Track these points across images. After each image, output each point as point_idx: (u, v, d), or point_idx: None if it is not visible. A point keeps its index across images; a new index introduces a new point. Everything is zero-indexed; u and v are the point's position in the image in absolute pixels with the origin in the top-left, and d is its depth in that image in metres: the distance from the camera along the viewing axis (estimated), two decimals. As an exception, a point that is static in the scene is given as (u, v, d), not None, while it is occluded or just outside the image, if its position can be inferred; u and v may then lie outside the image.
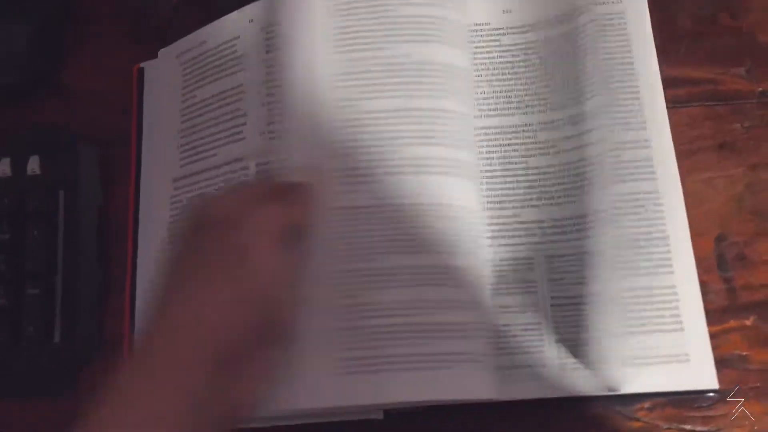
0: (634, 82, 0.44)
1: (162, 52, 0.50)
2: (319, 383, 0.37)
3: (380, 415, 0.40)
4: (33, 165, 0.48)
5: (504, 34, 0.47)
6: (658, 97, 0.45)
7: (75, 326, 0.45)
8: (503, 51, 0.46)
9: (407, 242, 0.40)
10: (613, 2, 0.46)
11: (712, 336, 0.42)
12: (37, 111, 0.51)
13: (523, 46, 0.46)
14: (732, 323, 0.42)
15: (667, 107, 0.45)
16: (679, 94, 0.46)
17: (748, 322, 0.42)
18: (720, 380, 0.41)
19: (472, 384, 0.38)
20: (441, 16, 0.43)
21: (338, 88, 0.42)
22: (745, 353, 0.42)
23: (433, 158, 0.41)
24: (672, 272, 0.42)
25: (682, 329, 0.41)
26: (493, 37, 0.46)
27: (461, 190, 0.41)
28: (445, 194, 0.41)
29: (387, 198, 0.40)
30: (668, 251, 0.42)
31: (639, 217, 0.42)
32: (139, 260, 0.46)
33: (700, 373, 0.40)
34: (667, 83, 0.46)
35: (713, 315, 0.42)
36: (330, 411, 0.39)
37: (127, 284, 0.46)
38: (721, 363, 0.41)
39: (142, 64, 0.50)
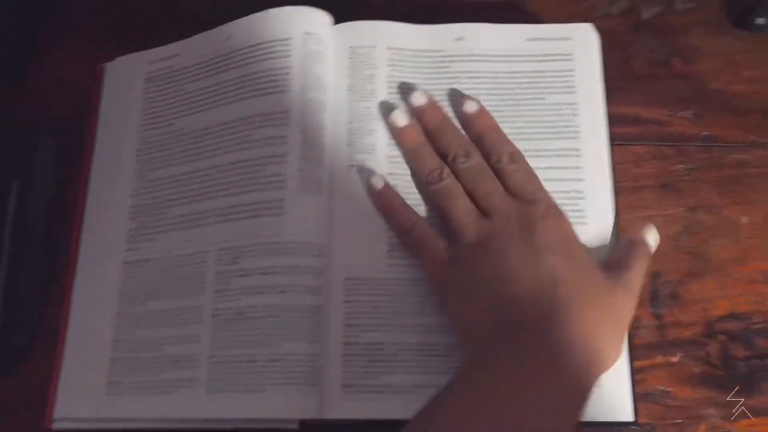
0: (576, 144, 0.45)
1: (129, 56, 0.51)
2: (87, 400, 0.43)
3: (296, 426, 0.41)
4: (-9, 155, 0.48)
5: (453, 61, 0.47)
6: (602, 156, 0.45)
7: (17, 315, 0.45)
8: (451, 78, 0.47)
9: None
10: (562, 59, 0.47)
11: (639, 370, 0.43)
12: (2, 100, 0.52)
13: (470, 75, 0.47)
14: (659, 359, 0.44)
15: (615, 144, 0.46)
16: (627, 132, 0.48)
17: (674, 359, 0.44)
18: (643, 414, 0.42)
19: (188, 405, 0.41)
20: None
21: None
22: (669, 389, 0.43)
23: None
24: None
25: None
26: (444, 64, 0.47)
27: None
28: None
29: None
30: None
31: None
32: (81, 253, 0.47)
33: (616, 405, 0.41)
34: (617, 121, 0.47)
35: (642, 350, 0.44)
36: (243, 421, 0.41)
37: (68, 275, 0.46)
38: (644, 397, 0.42)
39: (104, 65, 0.51)
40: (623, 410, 0.41)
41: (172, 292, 0.44)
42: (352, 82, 0.47)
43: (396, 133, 0.45)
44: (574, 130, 0.45)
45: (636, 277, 0.40)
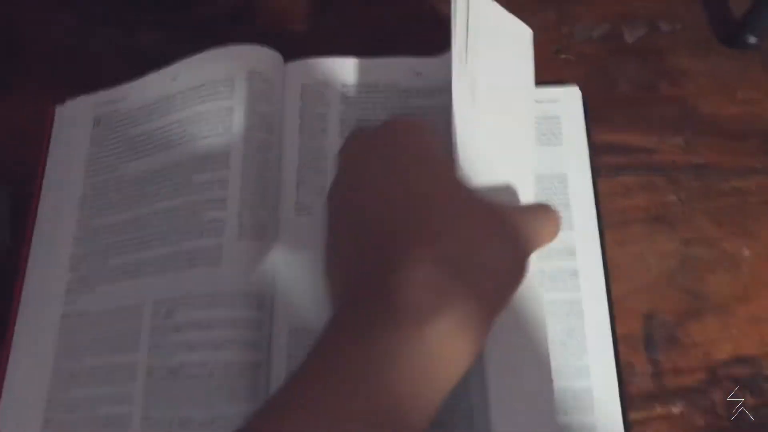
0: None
1: (78, 100, 0.49)
2: None
3: None
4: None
5: (410, 97, 0.45)
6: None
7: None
8: (408, 113, 0.45)
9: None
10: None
11: (635, 423, 0.39)
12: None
13: (426, 111, 0.45)
14: (658, 410, 0.39)
15: (601, 175, 0.44)
16: (613, 162, 0.45)
17: (675, 410, 0.39)
18: (642, 474, 0.38)
19: None
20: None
21: None
22: (671, 444, 0.39)
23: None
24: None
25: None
26: (400, 99, 0.45)
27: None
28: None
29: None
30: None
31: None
32: (21, 307, 0.44)
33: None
34: (602, 150, 0.44)
35: (637, 400, 0.39)
36: None
37: (9, 332, 0.43)
38: (643, 454, 0.38)
39: (55, 108, 0.49)
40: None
41: (108, 348, 0.41)
42: (303, 122, 0.45)
43: None
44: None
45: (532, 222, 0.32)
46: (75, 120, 0.48)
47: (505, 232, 0.30)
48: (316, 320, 0.37)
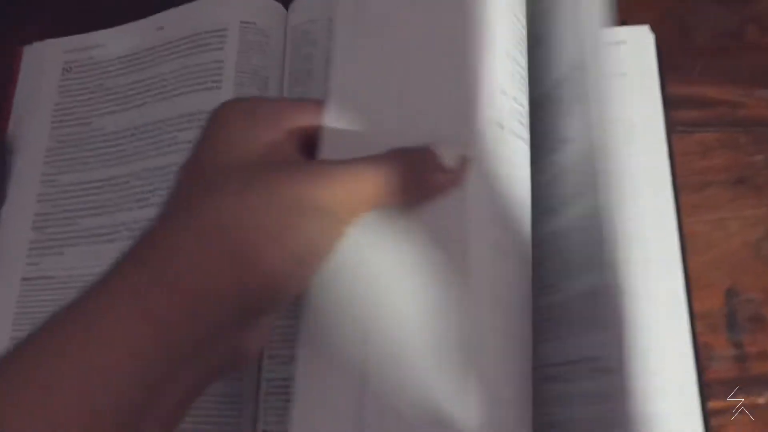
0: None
1: (46, 43, 0.46)
2: None
3: None
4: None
5: None
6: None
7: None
8: None
9: None
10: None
11: (715, 413, 0.34)
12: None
13: None
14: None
15: (675, 132, 0.38)
16: (690, 117, 0.40)
17: (761, 400, 0.34)
18: (722, 471, 0.33)
19: None
20: None
21: None
22: (755, 439, 0.34)
23: None
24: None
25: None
26: None
27: None
28: None
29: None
30: None
31: None
32: None
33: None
34: (677, 104, 0.39)
35: (717, 387, 0.35)
36: None
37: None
38: (724, 449, 0.33)
39: (24, 48, 0.46)
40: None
41: None
42: (292, 68, 0.41)
43: None
44: None
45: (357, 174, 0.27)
46: (42, 65, 0.45)
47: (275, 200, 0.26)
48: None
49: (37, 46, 0.46)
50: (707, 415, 0.33)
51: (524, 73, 0.32)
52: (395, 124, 0.29)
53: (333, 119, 0.29)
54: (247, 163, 0.26)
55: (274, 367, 0.35)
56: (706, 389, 0.34)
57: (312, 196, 0.25)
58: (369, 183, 0.26)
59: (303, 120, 0.29)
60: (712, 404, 0.34)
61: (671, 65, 0.40)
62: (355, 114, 0.29)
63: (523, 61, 0.32)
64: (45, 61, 0.45)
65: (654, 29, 0.40)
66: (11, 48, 0.46)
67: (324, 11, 0.41)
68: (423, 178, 0.27)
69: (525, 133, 0.31)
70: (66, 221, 0.40)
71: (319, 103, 0.29)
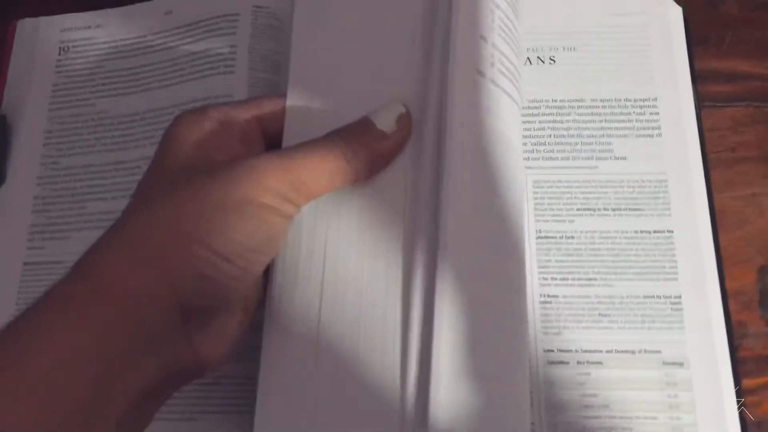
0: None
1: (41, 19, 0.43)
2: None
3: None
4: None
5: None
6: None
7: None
8: None
9: None
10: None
11: (749, 391, 0.34)
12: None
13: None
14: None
15: (705, 106, 0.38)
16: (721, 91, 0.39)
17: (795, 377, 0.34)
18: (756, 448, 0.33)
19: None
20: None
21: None
22: (790, 416, 0.34)
23: None
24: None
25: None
26: None
27: None
28: None
29: None
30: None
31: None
32: None
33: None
34: (706, 78, 0.39)
35: (752, 364, 0.35)
36: None
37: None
38: (759, 426, 0.33)
39: (17, 22, 0.43)
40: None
41: None
42: None
43: None
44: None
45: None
46: (36, 43, 0.43)
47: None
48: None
49: (31, 21, 0.43)
50: (741, 392, 0.33)
51: (512, 25, 0.31)
52: (357, 98, 0.29)
53: (294, 103, 0.29)
54: (187, 169, 0.26)
55: None
56: (740, 367, 0.34)
57: (237, 195, 0.25)
58: (308, 169, 0.26)
59: (259, 114, 0.29)
60: (746, 382, 0.34)
61: (700, 37, 0.39)
62: (316, 95, 0.29)
63: (511, 13, 0.31)
64: (39, 39, 0.43)
65: (682, 0, 0.39)
66: (3, 21, 0.44)
67: None
68: (362, 152, 0.27)
69: (512, 89, 0.30)
70: (71, 205, 0.39)
71: (276, 96, 0.30)
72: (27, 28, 0.43)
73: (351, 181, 0.27)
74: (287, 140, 0.29)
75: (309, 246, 0.28)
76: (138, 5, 0.42)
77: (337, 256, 0.27)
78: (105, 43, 0.42)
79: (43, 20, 0.43)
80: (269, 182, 0.25)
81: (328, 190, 0.27)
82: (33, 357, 0.22)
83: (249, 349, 0.33)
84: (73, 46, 0.42)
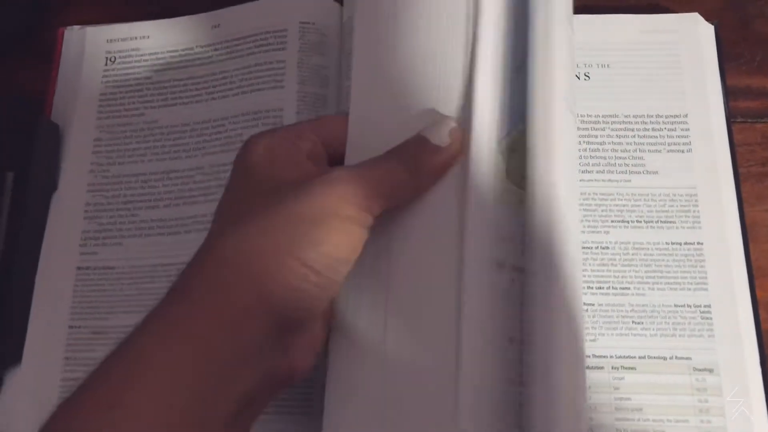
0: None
1: (88, 30, 0.45)
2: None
3: None
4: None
5: None
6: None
7: (4, 331, 0.39)
8: None
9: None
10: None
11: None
12: (10, 72, 0.46)
13: None
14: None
15: (736, 122, 0.40)
16: (752, 107, 0.41)
17: (823, 387, 0.36)
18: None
19: None
20: None
21: None
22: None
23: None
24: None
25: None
26: None
27: None
28: None
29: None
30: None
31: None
32: (41, 255, 0.41)
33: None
34: (738, 94, 0.40)
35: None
36: None
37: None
38: (786, 433, 0.35)
39: (64, 30, 0.45)
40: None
41: (144, 308, 0.38)
42: (341, 63, 0.41)
43: None
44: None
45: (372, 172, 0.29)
46: (83, 52, 0.45)
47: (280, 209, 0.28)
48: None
49: (78, 31, 0.45)
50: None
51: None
52: (416, 115, 0.31)
53: (355, 122, 0.32)
54: (267, 189, 0.28)
55: None
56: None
57: (323, 208, 0.27)
58: (381, 182, 0.28)
59: (322, 134, 0.31)
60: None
61: (732, 54, 0.41)
62: (376, 113, 0.32)
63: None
64: (86, 49, 0.45)
65: (714, 19, 0.41)
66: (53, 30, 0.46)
67: None
68: (421, 165, 0.29)
69: (575, 108, 0.33)
70: (122, 212, 0.41)
71: (337, 117, 0.32)
72: (74, 36, 0.45)
73: (415, 193, 0.30)
74: (350, 157, 0.31)
75: (374, 253, 0.29)
76: (185, 17, 0.44)
77: (399, 263, 0.30)
78: (152, 54, 0.44)
79: (90, 30, 0.45)
80: (350, 195, 0.27)
81: (398, 202, 0.29)
82: (144, 371, 0.24)
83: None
84: (120, 57, 0.44)
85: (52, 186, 0.42)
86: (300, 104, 0.40)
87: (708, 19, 0.41)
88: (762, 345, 0.35)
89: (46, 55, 0.45)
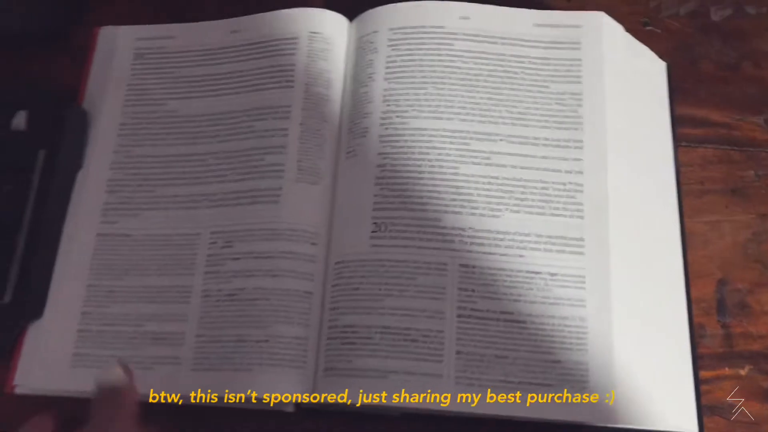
0: (578, 135, 0.45)
1: (120, 29, 0.52)
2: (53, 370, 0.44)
3: (292, 409, 0.42)
4: (19, 120, 0.49)
5: (456, 39, 0.47)
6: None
7: (28, 288, 0.45)
8: (453, 56, 0.47)
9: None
10: (570, 48, 0.47)
11: (704, 381, 0.42)
12: (45, 64, 0.53)
13: (473, 55, 0.47)
14: (726, 371, 0.43)
15: (681, 145, 0.47)
16: (693, 134, 0.48)
17: (743, 372, 0.43)
18: (709, 428, 0.41)
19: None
20: None
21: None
22: (736, 403, 0.42)
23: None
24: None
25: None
26: (446, 41, 0.47)
27: None
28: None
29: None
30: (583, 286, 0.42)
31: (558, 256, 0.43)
32: (65, 224, 0.47)
33: (681, 415, 0.40)
34: (683, 121, 0.48)
35: (707, 360, 0.43)
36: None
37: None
38: (711, 410, 0.42)
39: (99, 29, 0.53)
40: (688, 421, 0.40)
41: (155, 270, 0.45)
42: (355, 71, 0.49)
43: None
44: (576, 121, 0.45)
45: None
46: (115, 48, 0.51)
47: None
48: (353, 251, 0.44)
49: (111, 29, 0.52)
50: (699, 381, 0.41)
51: None
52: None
53: None
54: None
55: (335, 317, 0.42)
56: (698, 361, 0.42)
57: None
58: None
59: None
60: (703, 373, 0.42)
61: (680, 88, 0.49)
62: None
63: None
64: (118, 45, 0.51)
65: (668, 58, 0.49)
66: (89, 27, 0.53)
67: (384, 23, 0.48)
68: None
69: None
70: (142, 188, 0.47)
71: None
72: (108, 35, 0.52)
73: None
74: None
75: None
76: (208, 22, 0.51)
77: None
78: (176, 52, 0.51)
79: (122, 29, 0.52)
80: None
81: None
82: None
83: (300, 314, 0.42)
84: (148, 53, 0.51)
85: (78, 164, 0.48)
86: (306, 102, 0.47)
87: (662, 57, 0.49)
88: (693, 337, 0.42)
89: (82, 50, 0.52)
